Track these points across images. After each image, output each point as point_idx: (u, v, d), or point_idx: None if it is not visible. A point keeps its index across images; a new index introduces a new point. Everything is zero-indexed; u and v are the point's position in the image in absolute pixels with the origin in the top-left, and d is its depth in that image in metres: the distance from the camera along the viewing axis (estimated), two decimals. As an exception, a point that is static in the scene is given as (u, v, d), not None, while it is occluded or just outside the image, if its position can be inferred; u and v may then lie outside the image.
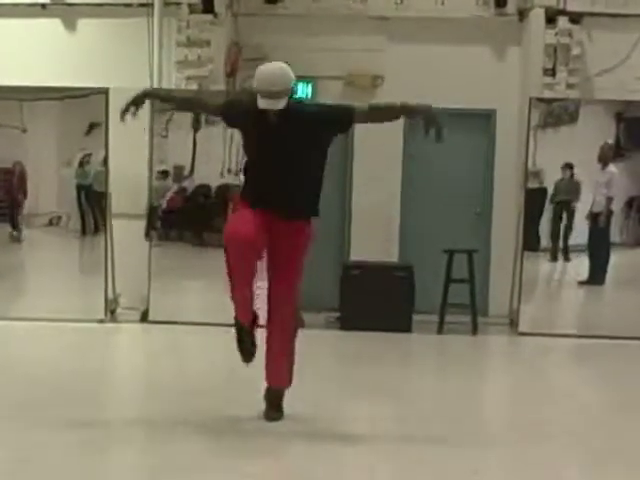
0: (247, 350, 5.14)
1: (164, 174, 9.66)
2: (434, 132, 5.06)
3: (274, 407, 5.34)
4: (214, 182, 9.67)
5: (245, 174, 5.25)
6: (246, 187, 5.18)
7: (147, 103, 9.28)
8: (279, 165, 4.97)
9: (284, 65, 5.04)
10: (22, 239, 9.67)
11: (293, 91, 4.97)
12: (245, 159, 5.33)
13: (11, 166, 9.64)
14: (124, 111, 5.27)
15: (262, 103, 4.84)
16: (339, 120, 5.09)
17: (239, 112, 5.17)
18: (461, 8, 10.26)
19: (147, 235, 9.57)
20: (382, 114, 5.32)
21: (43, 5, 10.18)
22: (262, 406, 5.33)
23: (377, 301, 9.17)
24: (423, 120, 5.06)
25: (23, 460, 4.63)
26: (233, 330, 5.19)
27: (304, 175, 5.08)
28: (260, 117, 4.93)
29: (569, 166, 9.58)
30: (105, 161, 9.35)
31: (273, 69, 5.01)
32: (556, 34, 9.99)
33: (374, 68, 10.32)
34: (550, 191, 9.68)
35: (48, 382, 6.46)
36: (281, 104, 4.84)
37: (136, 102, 5.31)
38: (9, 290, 9.37)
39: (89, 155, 9.64)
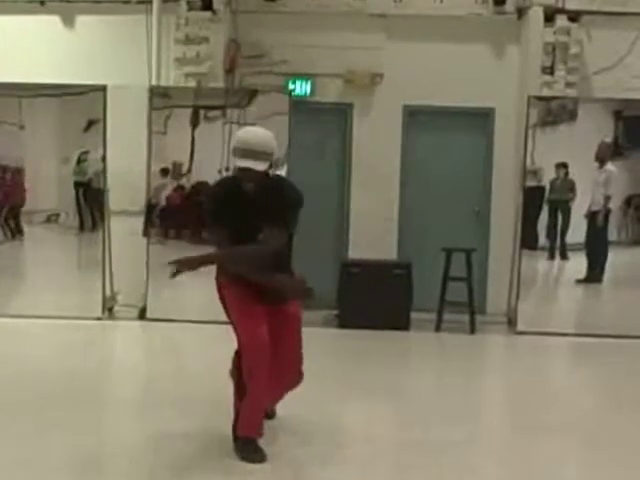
0: (260, 455, 4.73)
1: (164, 172, 9.64)
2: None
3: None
4: (212, 179, 9.63)
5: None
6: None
7: (146, 100, 9.40)
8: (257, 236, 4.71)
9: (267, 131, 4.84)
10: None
11: (272, 161, 4.73)
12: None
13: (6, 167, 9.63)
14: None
15: (241, 162, 4.64)
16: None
17: (222, 201, 4.82)
18: (460, 6, 10.24)
19: (145, 232, 9.56)
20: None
21: (42, 2, 10.16)
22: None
23: (375, 299, 9.18)
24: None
25: (22, 461, 4.63)
26: (240, 447, 4.75)
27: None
28: (240, 192, 4.75)
29: (563, 165, 9.58)
30: (103, 158, 9.34)
31: (256, 130, 4.85)
32: (555, 32, 9.98)
33: (373, 66, 10.30)
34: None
35: (46, 380, 6.46)
36: (261, 166, 4.63)
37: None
38: (7, 287, 9.36)
39: (86, 152, 9.62)
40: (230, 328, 4.89)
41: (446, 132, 10.44)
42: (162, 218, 9.75)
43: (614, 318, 9.25)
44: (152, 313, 9.22)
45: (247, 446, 4.74)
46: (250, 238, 4.71)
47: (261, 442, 4.77)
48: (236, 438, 4.80)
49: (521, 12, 10.21)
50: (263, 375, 4.71)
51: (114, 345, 8.80)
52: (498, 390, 7.38)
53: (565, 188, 9.62)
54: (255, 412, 4.80)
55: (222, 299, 4.96)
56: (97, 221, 9.58)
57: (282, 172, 5.06)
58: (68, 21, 10.22)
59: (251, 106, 9.44)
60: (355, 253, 10.16)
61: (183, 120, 9.52)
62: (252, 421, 4.79)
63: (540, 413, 6.08)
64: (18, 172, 9.60)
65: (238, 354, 4.84)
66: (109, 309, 9.43)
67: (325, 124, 10.54)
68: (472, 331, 9.27)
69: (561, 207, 9.69)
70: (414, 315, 9.35)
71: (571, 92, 9.92)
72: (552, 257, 9.76)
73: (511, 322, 9.59)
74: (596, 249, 9.60)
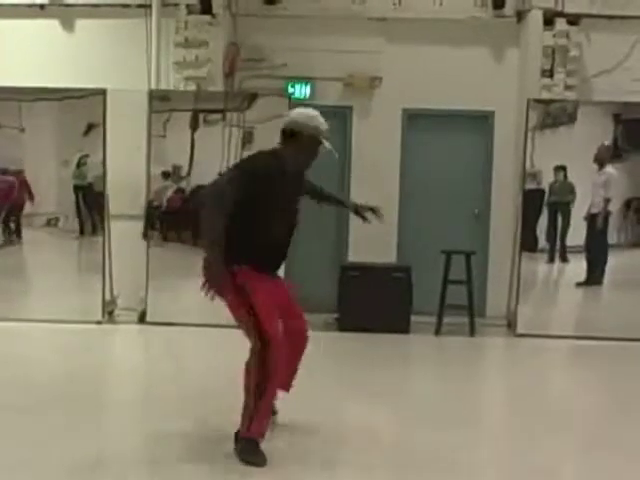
0: (262, 458, 4.71)
1: (165, 175, 9.66)
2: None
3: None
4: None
5: (253, 239, 4.82)
6: (254, 252, 4.82)
7: (145, 103, 9.41)
8: (291, 220, 5.06)
9: None
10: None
11: None
12: (247, 225, 4.82)
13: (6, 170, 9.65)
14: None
15: (328, 144, 5.01)
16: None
17: (266, 175, 4.84)
18: (459, 9, 10.26)
19: (145, 236, 9.57)
20: (326, 200, 5.73)
21: (41, 6, 10.19)
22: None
23: (375, 302, 9.18)
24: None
25: (23, 462, 4.63)
26: (243, 448, 4.74)
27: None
28: (285, 175, 4.96)
29: (562, 168, 9.59)
30: (103, 162, 9.35)
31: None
32: (554, 36, 10.00)
33: (372, 69, 10.32)
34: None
35: (46, 384, 6.46)
36: None
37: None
38: (7, 291, 9.34)
39: (86, 156, 9.63)
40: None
41: (446, 135, 10.44)
42: (162, 221, 9.77)
43: (614, 320, 9.24)
44: (152, 316, 9.22)
45: (249, 447, 4.73)
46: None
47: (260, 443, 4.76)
48: (239, 439, 4.79)
49: (520, 15, 10.23)
50: (281, 372, 4.77)
51: (114, 348, 8.79)
52: (498, 392, 7.38)
53: (565, 190, 9.62)
54: (266, 414, 4.80)
55: (236, 289, 4.77)
56: (97, 224, 9.59)
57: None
58: (68, 25, 10.24)
59: (251, 109, 9.46)
60: (355, 256, 10.16)
61: (183, 123, 9.53)
62: (261, 423, 4.76)
63: (540, 415, 6.07)
64: (18, 175, 9.61)
65: (256, 356, 4.70)
66: (109, 313, 9.43)
67: (325, 127, 10.53)
68: (472, 334, 9.27)
69: (561, 209, 9.70)
70: (414, 318, 9.35)
71: (570, 95, 9.93)
72: (552, 260, 9.76)
73: (511, 325, 9.59)
74: (596, 252, 9.59)
